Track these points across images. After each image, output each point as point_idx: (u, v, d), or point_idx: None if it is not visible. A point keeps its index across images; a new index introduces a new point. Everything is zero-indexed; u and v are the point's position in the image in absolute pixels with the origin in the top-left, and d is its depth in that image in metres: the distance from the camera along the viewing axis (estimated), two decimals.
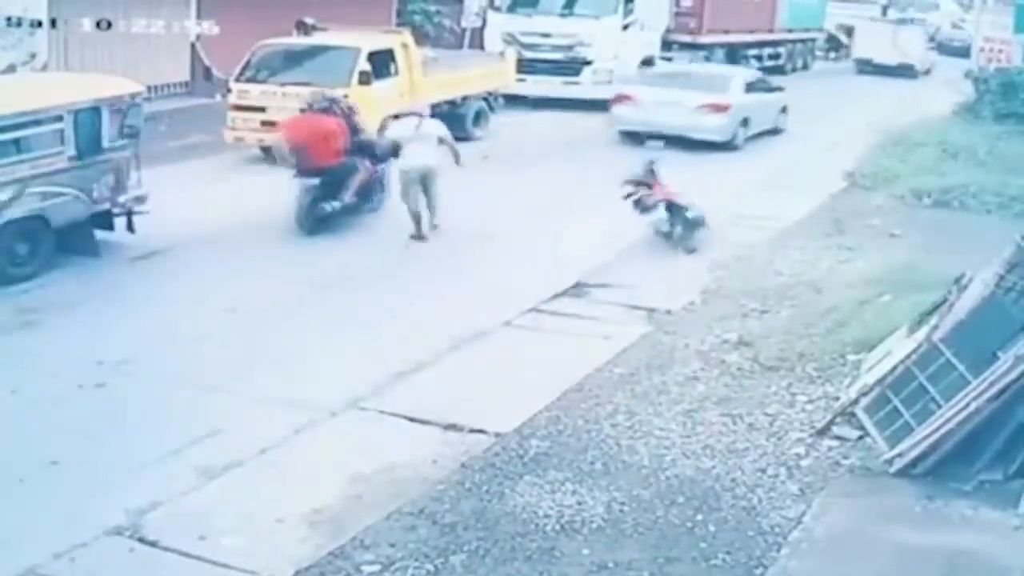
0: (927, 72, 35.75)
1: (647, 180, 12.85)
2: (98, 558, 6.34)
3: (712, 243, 13.15)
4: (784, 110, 21.82)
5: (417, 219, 13.04)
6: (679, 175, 13.38)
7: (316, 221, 13.00)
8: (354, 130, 13.57)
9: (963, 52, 34.31)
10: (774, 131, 21.29)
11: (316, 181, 13.00)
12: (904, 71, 34.63)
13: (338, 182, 13.11)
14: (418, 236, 13.02)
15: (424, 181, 13.03)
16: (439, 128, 13.51)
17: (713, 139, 18.97)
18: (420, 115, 13.39)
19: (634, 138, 17.79)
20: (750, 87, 20.68)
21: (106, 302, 10.66)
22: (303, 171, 13.05)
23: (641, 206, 12.74)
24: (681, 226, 12.79)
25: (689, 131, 18.47)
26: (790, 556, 6.49)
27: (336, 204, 13.12)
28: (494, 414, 8.26)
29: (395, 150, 13.31)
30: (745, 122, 19.83)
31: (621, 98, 20.17)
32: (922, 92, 28.73)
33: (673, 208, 12.72)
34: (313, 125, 13.33)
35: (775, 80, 23.66)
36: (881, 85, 31.25)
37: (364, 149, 13.53)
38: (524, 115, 22.39)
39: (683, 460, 7.66)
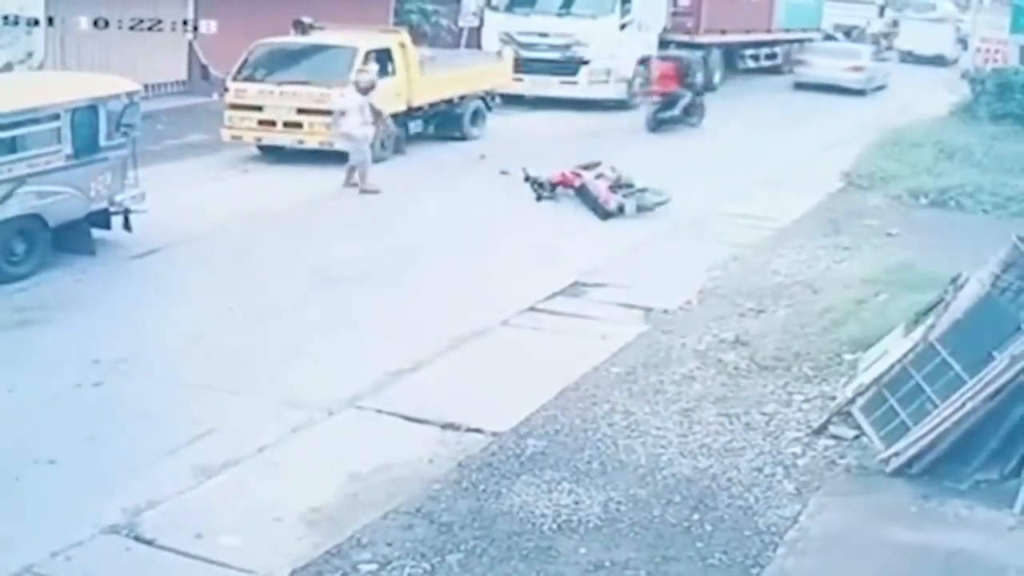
0: (955, 61, 37.99)
1: (586, 167, 15.58)
2: (95, 557, 6.34)
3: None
4: (888, 74, 32.45)
5: (347, 171, 15.76)
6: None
7: (658, 123, 21.59)
8: (687, 73, 22.60)
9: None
10: (882, 87, 31.12)
11: (659, 100, 21.83)
12: (938, 60, 38.76)
13: (672, 103, 21.83)
14: (346, 183, 15.71)
15: (348, 143, 15.73)
16: (349, 102, 15.81)
17: (854, 88, 29.28)
18: (342, 92, 16.15)
19: (806, 87, 29.28)
20: (873, 57, 32.15)
21: (103, 301, 10.66)
22: (652, 94, 22.17)
23: (539, 189, 15.36)
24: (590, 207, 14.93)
25: (840, 83, 29.07)
26: (787, 555, 6.50)
27: (668, 114, 21.72)
28: (491, 413, 8.26)
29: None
30: (871, 79, 30.38)
31: (801, 62, 30.95)
32: (949, 78, 30.40)
33: (582, 192, 15.06)
34: (660, 67, 22.64)
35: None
36: (919, 71, 36.57)
37: (690, 86, 22.50)
38: (521, 114, 22.38)
39: (680, 459, 7.67)
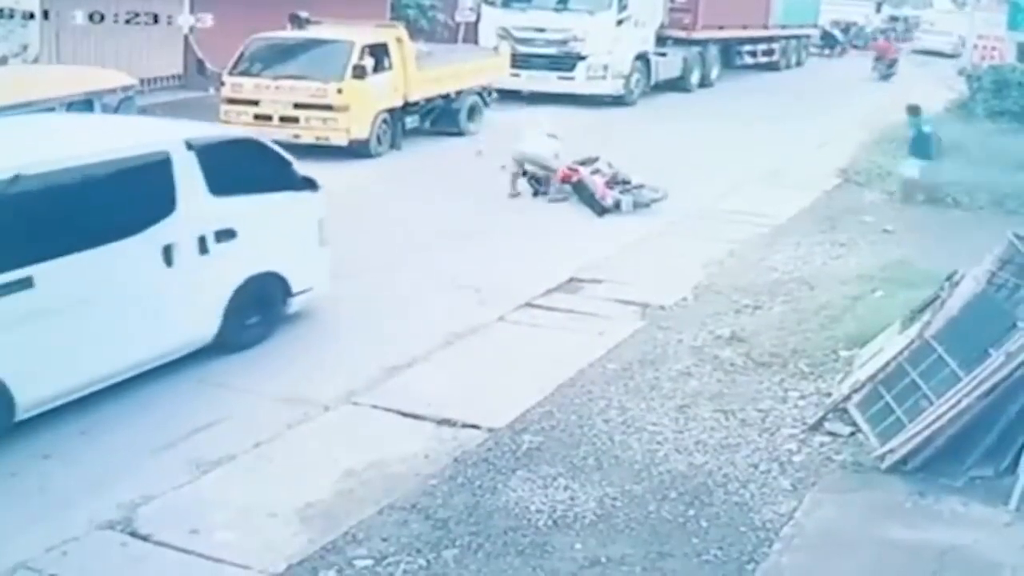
0: None
1: (583, 162, 15.58)
2: (90, 552, 6.34)
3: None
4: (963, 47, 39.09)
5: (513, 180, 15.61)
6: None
7: (882, 78, 32.82)
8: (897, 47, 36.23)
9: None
10: (959, 55, 35.68)
11: (883, 62, 33.52)
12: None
13: (894, 63, 33.88)
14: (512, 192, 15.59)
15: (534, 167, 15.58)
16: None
17: (950, 54, 40.10)
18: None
19: (923, 53, 43.28)
20: (958, 36, 41.08)
21: None
22: (878, 60, 34.01)
23: (536, 184, 15.56)
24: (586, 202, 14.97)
25: (941, 50, 42.59)
26: (782, 551, 6.51)
27: (892, 71, 33.41)
28: (487, 409, 8.26)
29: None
30: (956, 47, 40.00)
31: (916, 38, 47.14)
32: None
33: (579, 188, 15.08)
34: (883, 44, 36.34)
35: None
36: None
37: (898, 51, 35.12)
38: (518, 110, 22.37)
39: (675, 455, 7.67)
